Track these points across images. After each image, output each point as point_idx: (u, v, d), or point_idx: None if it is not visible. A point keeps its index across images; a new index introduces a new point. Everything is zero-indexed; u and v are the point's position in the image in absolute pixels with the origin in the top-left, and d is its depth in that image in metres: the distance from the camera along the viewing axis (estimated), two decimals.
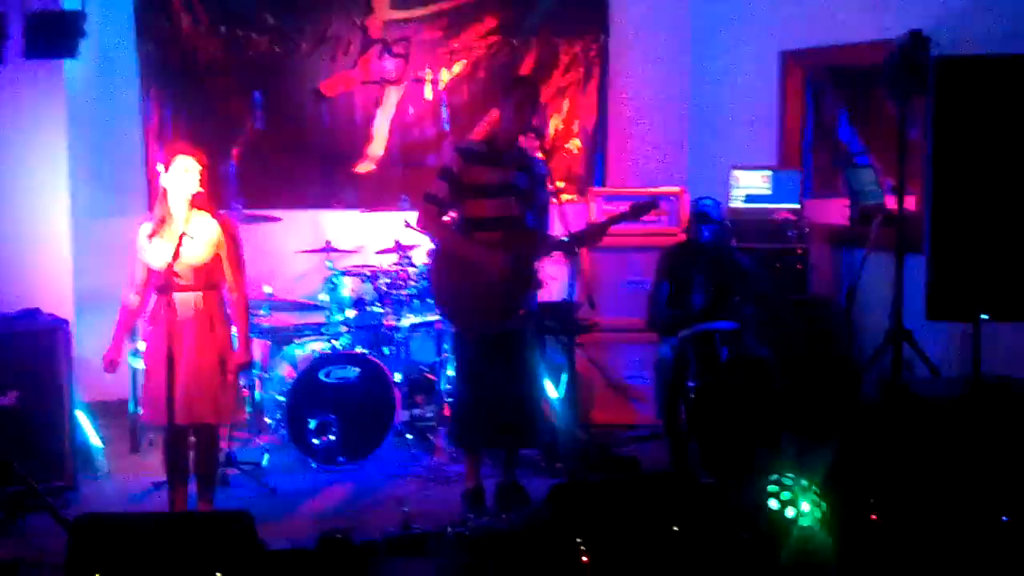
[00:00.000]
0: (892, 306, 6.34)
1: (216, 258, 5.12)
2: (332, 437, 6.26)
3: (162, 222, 5.06)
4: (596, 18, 8.16)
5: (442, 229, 5.50)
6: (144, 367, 5.30)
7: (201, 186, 5.03)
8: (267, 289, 6.75)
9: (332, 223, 7.52)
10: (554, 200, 5.50)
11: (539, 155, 5.56)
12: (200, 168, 5.04)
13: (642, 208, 5.46)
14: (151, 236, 5.05)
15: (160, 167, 5.13)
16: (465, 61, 8.00)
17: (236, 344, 5.24)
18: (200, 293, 5.09)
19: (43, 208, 6.89)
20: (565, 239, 5.38)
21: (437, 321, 6.69)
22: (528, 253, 5.40)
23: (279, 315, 6.94)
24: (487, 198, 5.43)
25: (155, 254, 5.00)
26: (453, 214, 5.58)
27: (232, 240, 5.17)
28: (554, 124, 8.13)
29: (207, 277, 5.12)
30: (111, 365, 5.15)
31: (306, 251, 7.12)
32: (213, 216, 5.15)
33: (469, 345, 5.52)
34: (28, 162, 6.84)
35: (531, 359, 5.54)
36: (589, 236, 5.50)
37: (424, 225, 5.55)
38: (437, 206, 5.45)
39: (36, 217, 6.86)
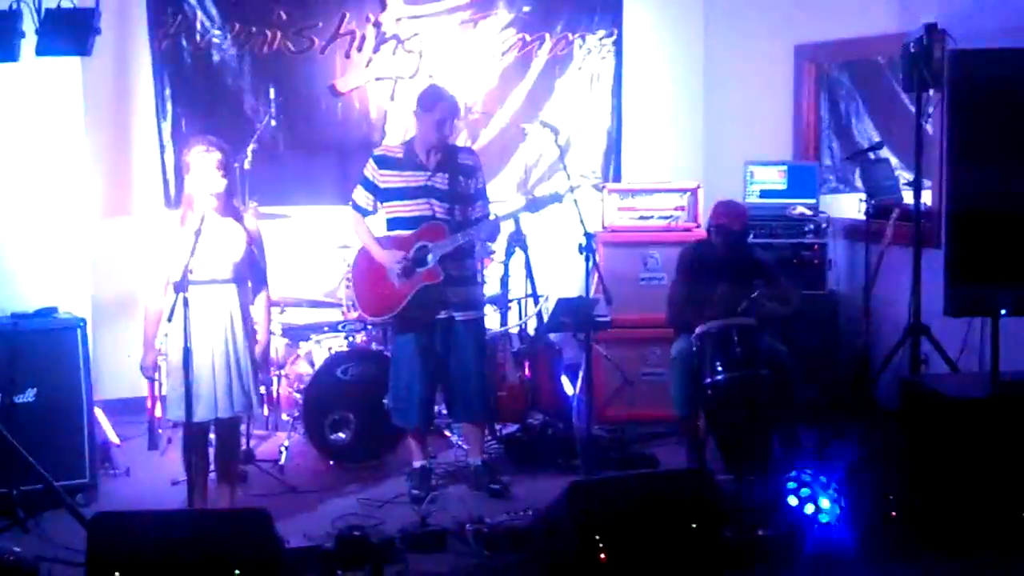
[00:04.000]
0: (910, 301, 6.32)
1: (243, 254, 5.13)
2: (349, 434, 6.28)
3: (186, 219, 5.06)
4: (610, 13, 8.16)
5: (361, 232, 5.92)
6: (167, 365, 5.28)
7: (223, 179, 5.04)
8: (283, 287, 6.75)
9: (347, 220, 7.50)
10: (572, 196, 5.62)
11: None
12: (219, 160, 5.04)
13: (540, 201, 5.71)
14: (177, 234, 5.05)
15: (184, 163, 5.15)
16: (479, 56, 7.99)
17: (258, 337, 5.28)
18: (226, 286, 5.10)
19: (60, 206, 6.89)
20: (459, 236, 5.67)
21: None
22: (428, 248, 5.67)
23: (295, 312, 6.95)
24: (404, 200, 5.76)
25: (180, 251, 5.00)
26: None
27: (255, 235, 5.20)
28: (568, 120, 8.12)
29: (233, 271, 5.13)
30: (152, 370, 5.17)
31: (322, 248, 7.11)
32: (238, 215, 5.20)
33: (400, 334, 5.88)
34: (45, 160, 6.85)
35: (463, 347, 5.82)
36: (484, 230, 5.74)
37: (353, 229, 5.98)
38: (360, 212, 5.88)
39: (53, 215, 6.86)
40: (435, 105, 5.69)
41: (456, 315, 5.79)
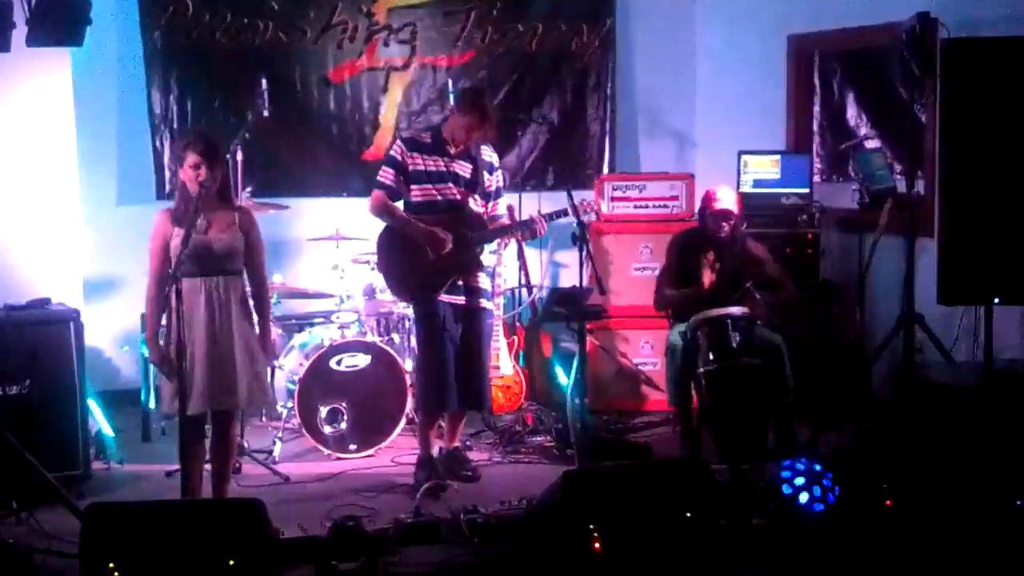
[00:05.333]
0: (903, 290, 6.32)
1: (237, 245, 5.11)
2: (343, 425, 6.28)
3: (181, 211, 5.04)
4: (603, 3, 8.13)
5: (391, 212, 5.88)
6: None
7: (214, 170, 5.00)
8: (277, 278, 6.74)
9: (341, 210, 7.49)
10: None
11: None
12: (209, 152, 5.01)
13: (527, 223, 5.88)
14: (171, 225, 5.03)
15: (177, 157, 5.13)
16: (472, 47, 7.97)
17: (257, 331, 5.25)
18: (218, 279, 5.07)
19: (52, 197, 6.87)
20: (501, 230, 5.97)
21: None
22: (470, 236, 5.78)
23: (289, 303, 6.93)
24: (430, 184, 5.82)
25: (173, 243, 4.98)
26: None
27: (249, 227, 5.17)
28: (562, 110, 8.11)
29: (226, 263, 5.11)
30: (160, 360, 5.09)
31: (315, 239, 7.10)
32: (233, 206, 5.19)
33: (425, 318, 5.87)
34: (36, 151, 6.83)
35: (483, 334, 5.94)
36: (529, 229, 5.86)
37: (376, 209, 5.89)
38: (386, 191, 5.84)
39: (45, 207, 6.84)
40: (470, 112, 5.77)
41: (483, 302, 5.92)
